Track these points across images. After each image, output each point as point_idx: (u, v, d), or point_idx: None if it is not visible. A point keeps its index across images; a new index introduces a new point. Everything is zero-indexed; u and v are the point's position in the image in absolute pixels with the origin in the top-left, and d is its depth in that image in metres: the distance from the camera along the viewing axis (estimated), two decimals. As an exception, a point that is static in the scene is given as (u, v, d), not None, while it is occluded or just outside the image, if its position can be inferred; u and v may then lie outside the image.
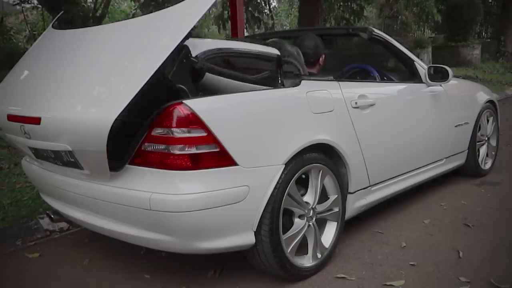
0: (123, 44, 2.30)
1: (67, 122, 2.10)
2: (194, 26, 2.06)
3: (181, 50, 2.04)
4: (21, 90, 2.56)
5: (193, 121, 1.96)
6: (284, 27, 21.04)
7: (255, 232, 2.18)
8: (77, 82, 2.28)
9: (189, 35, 1.99)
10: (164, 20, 2.23)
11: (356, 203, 2.74)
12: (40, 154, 2.41)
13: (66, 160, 2.23)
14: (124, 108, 1.87)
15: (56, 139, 2.15)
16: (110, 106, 1.94)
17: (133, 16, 10.78)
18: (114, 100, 1.97)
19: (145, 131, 2.01)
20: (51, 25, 2.91)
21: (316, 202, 2.44)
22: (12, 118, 2.32)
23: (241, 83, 2.28)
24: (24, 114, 2.26)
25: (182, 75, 2.07)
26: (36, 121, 2.15)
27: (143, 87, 1.88)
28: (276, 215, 2.21)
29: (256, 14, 10.11)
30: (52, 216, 3.14)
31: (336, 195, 2.55)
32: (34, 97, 2.39)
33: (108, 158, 1.99)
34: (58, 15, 3.14)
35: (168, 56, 1.93)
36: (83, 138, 2.04)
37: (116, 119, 1.86)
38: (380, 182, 2.91)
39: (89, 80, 2.23)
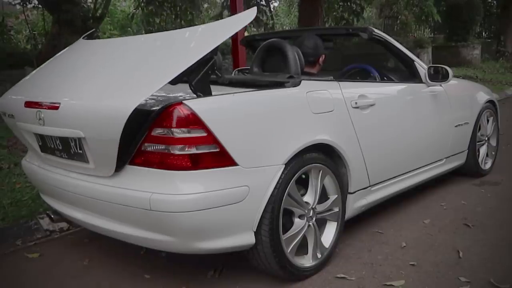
0: (152, 49, 2.44)
1: (86, 107, 2.16)
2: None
3: (209, 61, 2.11)
4: (43, 83, 2.64)
5: (193, 121, 1.96)
6: (284, 27, 21.03)
7: (255, 232, 2.18)
8: (102, 75, 2.40)
9: (216, 49, 2.11)
10: (198, 33, 2.36)
11: (356, 203, 2.74)
12: (46, 147, 2.43)
13: (73, 152, 2.25)
14: (145, 100, 1.93)
15: (71, 125, 2.18)
16: (132, 96, 1.99)
17: (133, 15, 10.77)
18: (137, 91, 2.02)
19: (145, 131, 2.01)
20: (81, 37, 3.02)
21: (316, 202, 2.44)
22: (29, 104, 2.37)
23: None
24: (44, 100, 2.32)
25: (204, 84, 2.12)
26: (55, 106, 2.21)
27: (167, 83, 1.97)
28: (276, 215, 2.21)
29: (256, 14, 10.13)
30: (52, 216, 3.14)
31: (336, 195, 2.55)
32: (56, 87, 2.49)
33: (119, 148, 2.01)
34: (90, 31, 3.26)
35: (196, 62, 2.00)
36: (100, 123, 2.07)
37: (136, 108, 1.90)
38: (380, 182, 2.91)
39: (114, 74, 2.34)
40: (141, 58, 2.41)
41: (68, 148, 2.28)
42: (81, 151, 2.21)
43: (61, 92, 2.38)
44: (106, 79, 2.35)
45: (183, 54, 2.17)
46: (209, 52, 2.07)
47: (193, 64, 2.02)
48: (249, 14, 2.26)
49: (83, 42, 2.94)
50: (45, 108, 2.27)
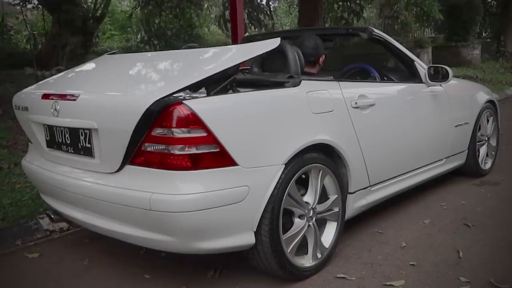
0: (178, 61, 2.61)
1: (104, 98, 2.26)
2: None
3: (229, 77, 2.22)
4: (63, 82, 2.80)
5: (193, 121, 1.96)
6: (284, 27, 21.02)
7: (255, 232, 2.18)
8: (124, 77, 2.57)
9: (237, 66, 2.26)
10: (221, 52, 2.50)
11: (356, 203, 2.74)
12: (53, 141, 2.46)
13: (80, 145, 2.28)
14: (164, 97, 1.97)
15: (86, 116, 2.22)
16: (153, 91, 2.07)
17: (131, 15, 10.78)
18: (157, 88, 2.09)
19: (145, 131, 2.01)
20: (105, 54, 3.18)
21: (316, 202, 2.44)
22: (47, 96, 2.46)
23: None
24: (63, 92, 2.43)
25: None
26: (73, 97, 2.29)
27: (187, 86, 2.03)
28: (276, 215, 2.21)
29: (256, 14, 10.11)
30: (52, 216, 3.14)
31: (336, 195, 2.55)
32: (76, 83, 2.67)
33: (129, 141, 2.04)
34: (113, 51, 3.48)
35: (217, 73, 2.13)
36: (116, 114, 2.11)
37: (155, 102, 1.95)
38: (380, 182, 2.91)
39: (136, 77, 2.54)
40: (166, 68, 2.54)
41: (76, 142, 2.31)
42: (89, 145, 2.24)
43: (81, 86, 2.54)
44: (127, 79, 2.49)
45: (205, 66, 2.28)
46: (229, 69, 2.19)
47: (213, 75, 2.11)
48: (272, 43, 2.41)
49: (107, 57, 3.07)
50: (63, 99, 2.33)
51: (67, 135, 2.36)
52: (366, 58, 3.66)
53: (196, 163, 1.99)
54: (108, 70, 2.79)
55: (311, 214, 2.42)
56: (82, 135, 2.27)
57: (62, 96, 2.36)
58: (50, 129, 2.48)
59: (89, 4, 9.59)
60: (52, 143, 2.50)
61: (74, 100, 2.27)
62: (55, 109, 2.34)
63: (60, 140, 2.42)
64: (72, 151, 2.36)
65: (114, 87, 2.42)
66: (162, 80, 2.35)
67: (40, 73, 5.69)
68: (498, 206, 3.39)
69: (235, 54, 2.41)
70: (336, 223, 2.58)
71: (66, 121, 2.33)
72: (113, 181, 2.15)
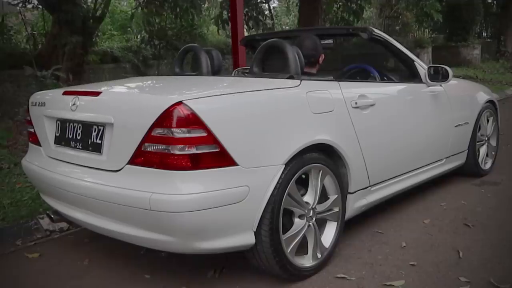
0: (206, 81, 2.79)
1: (126, 95, 2.45)
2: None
3: None
4: (87, 85, 3.03)
5: (193, 121, 1.97)
6: (284, 27, 21.02)
7: (255, 232, 2.18)
8: (152, 85, 2.80)
9: (257, 95, 2.30)
10: (252, 81, 2.70)
11: (356, 203, 2.74)
12: (63, 137, 2.49)
13: (90, 141, 2.30)
14: (188, 99, 1.99)
15: (104, 111, 2.26)
16: (177, 94, 2.13)
17: (132, 15, 10.75)
18: (182, 93, 2.14)
19: (145, 131, 2.01)
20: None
21: (316, 202, 2.44)
22: (68, 92, 2.54)
23: None
24: (85, 89, 2.55)
25: None
26: (96, 94, 2.38)
27: (212, 95, 2.13)
28: (276, 215, 2.21)
29: (255, 15, 10.11)
30: (52, 216, 3.13)
31: (336, 195, 2.55)
32: (101, 84, 2.85)
33: (143, 138, 2.05)
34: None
35: (237, 93, 2.22)
36: (136, 111, 2.15)
37: (177, 103, 1.97)
38: (380, 182, 2.91)
39: (166, 85, 2.79)
40: (192, 83, 2.67)
41: (86, 138, 2.33)
42: (99, 141, 2.25)
43: (104, 86, 2.71)
44: (154, 87, 2.73)
45: (232, 86, 2.54)
46: (247, 92, 2.24)
47: (235, 93, 2.20)
48: (292, 83, 2.45)
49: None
50: (85, 95, 2.40)
51: (78, 131, 2.38)
52: (366, 58, 3.66)
53: (196, 163, 1.99)
54: (135, 81, 3.01)
55: (311, 214, 2.42)
56: (94, 131, 2.28)
57: (84, 93, 2.43)
58: (62, 124, 2.49)
59: (89, 4, 9.57)
60: (61, 140, 2.51)
61: (97, 95, 2.34)
62: (74, 104, 2.38)
63: (70, 136, 2.43)
64: (80, 147, 2.37)
65: (138, 89, 2.63)
66: (187, 89, 2.44)
67: (40, 73, 5.68)
68: (498, 206, 3.39)
69: (259, 83, 2.47)
70: (336, 223, 2.58)
71: (82, 115, 2.35)
72: (114, 181, 2.15)
